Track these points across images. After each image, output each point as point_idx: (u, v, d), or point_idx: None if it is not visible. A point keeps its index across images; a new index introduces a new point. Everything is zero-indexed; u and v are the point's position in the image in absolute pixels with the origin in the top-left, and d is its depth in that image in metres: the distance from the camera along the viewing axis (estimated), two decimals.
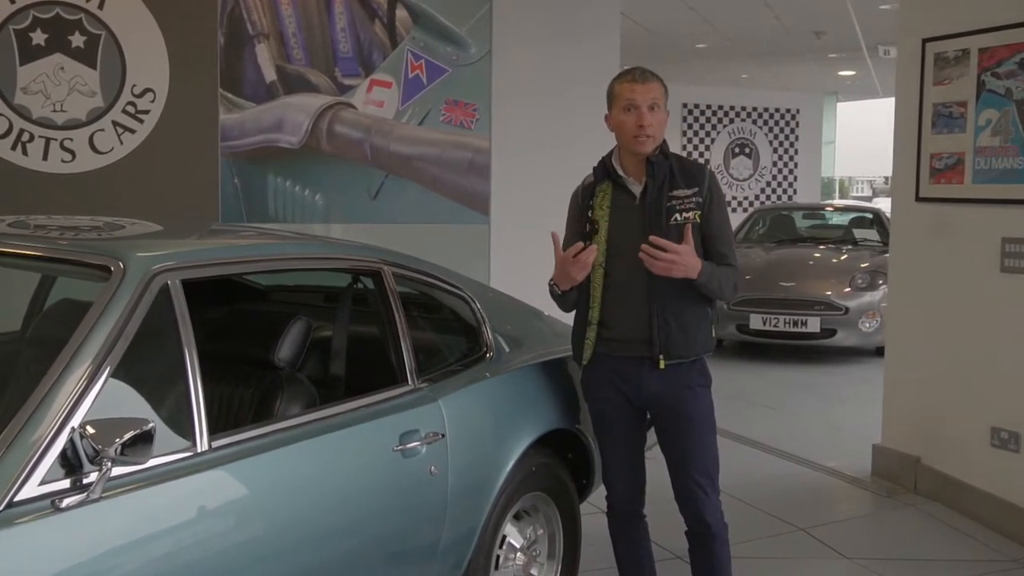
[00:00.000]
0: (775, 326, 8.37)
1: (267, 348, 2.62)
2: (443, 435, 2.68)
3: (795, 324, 8.33)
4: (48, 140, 5.53)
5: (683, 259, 2.85)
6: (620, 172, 3.02)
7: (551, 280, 3.06)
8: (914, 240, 4.93)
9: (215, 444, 2.13)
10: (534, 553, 3.21)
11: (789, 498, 4.85)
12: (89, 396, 1.92)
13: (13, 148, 5.49)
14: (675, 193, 2.97)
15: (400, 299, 2.79)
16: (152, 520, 1.97)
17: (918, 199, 4.81)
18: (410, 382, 2.72)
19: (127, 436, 1.82)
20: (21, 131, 5.47)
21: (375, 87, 6.25)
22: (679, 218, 2.95)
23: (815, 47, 11.08)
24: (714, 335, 3.11)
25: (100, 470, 1.83)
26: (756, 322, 8.40)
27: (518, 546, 3.12)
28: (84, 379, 1.92)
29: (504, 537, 3.06)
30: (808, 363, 8.49)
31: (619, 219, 2.99)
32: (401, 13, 6.26)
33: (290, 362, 2.64)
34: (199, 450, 2.09)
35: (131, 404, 2.01)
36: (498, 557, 3.03)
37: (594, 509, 3.91)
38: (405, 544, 2.62)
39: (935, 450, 4.80)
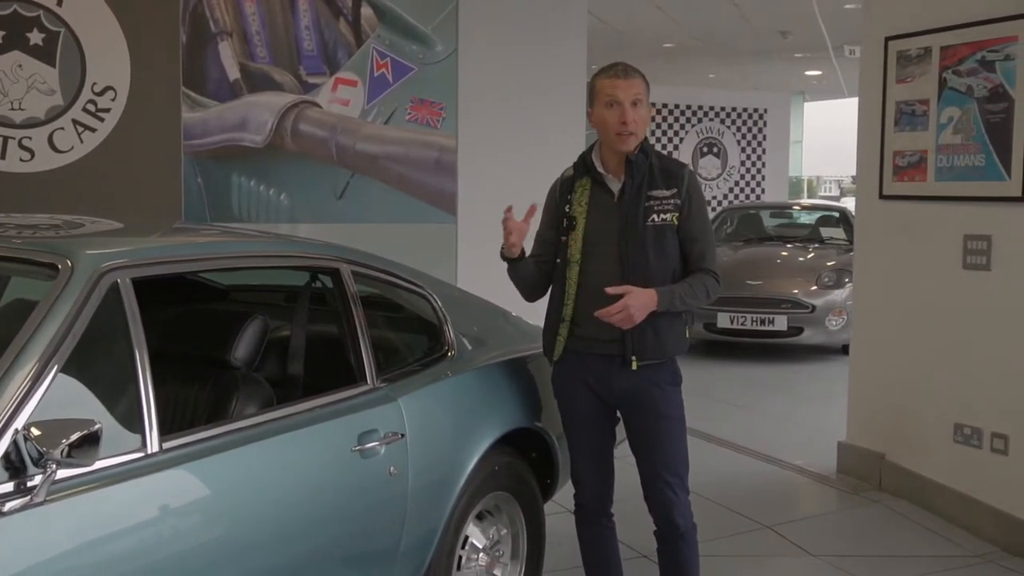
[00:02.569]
0: (742, 324, 8.40)
1: (223, 348, 2.57)
2: (403, 435, 2.65)
3: (762, 322, 8.36)
4: (6, 139, 5.45)
5: (632, 304, 2.82)
6: (600, 169, 3.00)
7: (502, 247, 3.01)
8: (878, 238, 4.95)
9: (166, 445, 2.08)
10: (497, 553, 3.17)
11: (754, 496, 4.86)
12: (34, 397, 1.87)
13: None
14: (653, 193, 2.95)
15: (359, 297, 2.75)
16: (99, 524, 1.91)
17: (882, 197, 4.83)
18: (369, 381, 2.68)
19: (72, 438, 1.77)
20: None
21: (340, 85, 6.20)
22: (656, 219, 2.94)
23: (781, 47, 11.13)
24: (688, 336, 3.09)
25: (44, 473, 1.78)
26: (724, 320, 8.42)
27: (481, 546, 3.09)
28: (28, 380, 1.87)
29: (466, 537, 3.03)
30: (775, 361, 8.53)
31: (596, 216, 2.98)
32: (366, 11, 6.22)
33: (246, 362, 2.59)
34: (149, 451, 2.04)
35: (78, 405, 1.96)
36: (460, 557, 3.00)
37: (560, 509, 3.90)
38: (365, 545, 2.58)
39: (899, 447, 4.82)
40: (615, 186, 2.99)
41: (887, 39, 4.75)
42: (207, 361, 2.59)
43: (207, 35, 5.88)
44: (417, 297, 3.08)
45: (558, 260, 3.01)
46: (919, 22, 4.58)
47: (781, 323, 8.34)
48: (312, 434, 2.42)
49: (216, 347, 2.59)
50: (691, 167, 3.12)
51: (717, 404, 7.01)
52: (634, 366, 2.94)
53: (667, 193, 2.96)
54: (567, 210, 3.01)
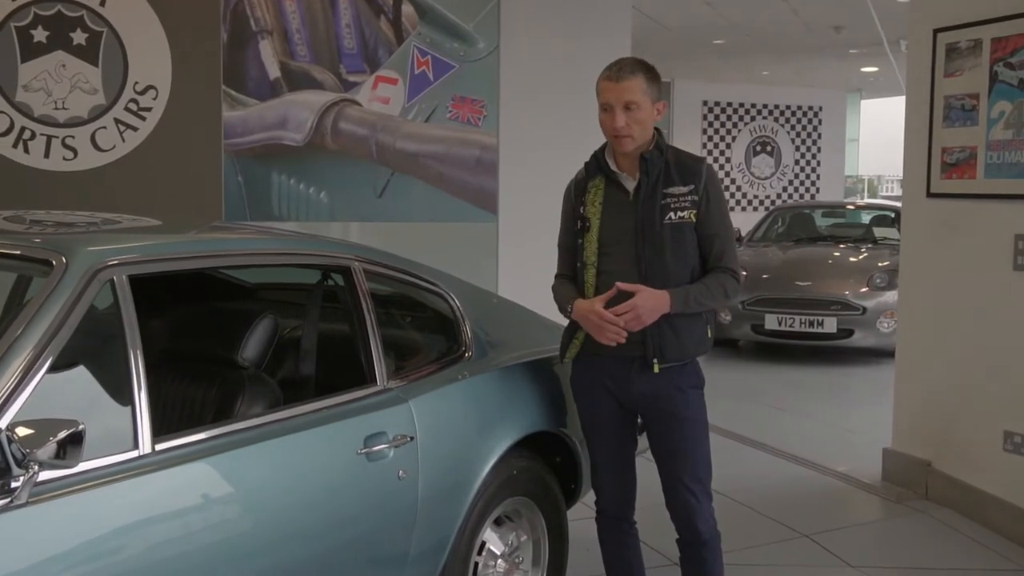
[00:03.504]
0: (791, 326, 8.21)
1: (232, 347, 2.53)
2: (412, 437, 2.58)
3: (811, 324, 8.16)
4: (50, 138, 5.50)
5: (642, 305, 2.73)
6: (613, 167, 2.91)
7: (568, 306, 2.92)
8: (925, 238, 4.78)
9: (159, 447, 2.03)
10: (517, 560, 3.09)
11: (795, 503, 4.71)
12: (21, 396, 1.83)
13: (15, 146, 5.46)
14: (670, 190, 2.85)
15: (370, 296, 2.69)
16: (84, 527, 1.87)
17: (929, 195, 4.66)
18: (379, 382, 2.61)
19: (55, 438, 1.73)
20: (23, 129, 5.45)
21: (380, 84, 6.18)
22: (673, 217, 2.84)
23: (835, 42, 10.87)
24: (710, 335, 2.98)
25: (27, 474, 1.75)
26: (771, 322, 8.24)
27: (499, 553, 3.01)
28: (15, 378, 1.84)
29: (483, 543, 2.95)
30: (825, 364, 8.32)
31: (611, 216, 2.89)
32: (407, 8, 6.18)
33: (255, 362, 2.55)
34: (142, 452, 2.00)
35: (67, 404, 1.92)
36: (476, 564, 2.93)
37: (589, 513, 3.80)
38: (372, 550, 2.51)
39: (946, 454, 4.64)
40: (630, 184, 2.89)
41: (935, 31, 4.58)
42: (215, 360, 2.55)
43: (248, 34, 5.88)
44: (434, 296, 3.01)
45: (577, 264, 2.93)
46: (969, 13, 4.40)
47: (831, 325, 8.13)
48: (315, 436, 2.36)
49: (225, 346, 2.55)
50: (709, 161, 3.00)
51: (762, 408, 6.86)
52: (656, 368, 2.84)
53: (684, 190, 2.86)
54: (581, 211, 2.93)
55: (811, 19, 9.49)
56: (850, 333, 8.14)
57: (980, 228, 4.41)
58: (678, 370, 2.88)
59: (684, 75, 14.31)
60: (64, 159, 5.56)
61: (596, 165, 2.94)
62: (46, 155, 5.52)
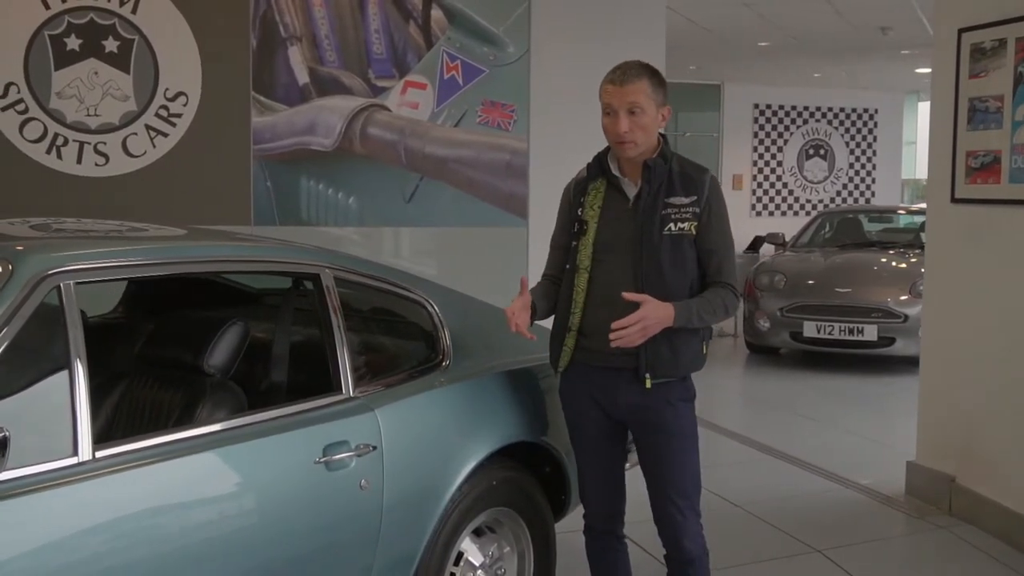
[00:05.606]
0: (830, 334, 8.02)
1: (200, 353, 2.53)
2: (375, 447, 2.54)
3: (851, 332, 7.96)
4: (82, 144, 5.59)
5: (650, 316, 2.65)
6: (615, 172, 2.84)
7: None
8: (950, 245, 4.62)
9: (100, 454, 2.03)
10: (499, 571, 3.04)
11: (811, 517, 4.58)
12: None
13: (48, 152, 5.57)
14: (672, 200, 2.78)
15: (340, 303, 2.66)
16: (12, 537, 1.85)
17: (954, 200, 4.50)
18: (344, 391, 2.59)
19: None
20: (56, 135, 5.55)
21: (410, 88, 6.17)
22: (673, 229, 2.76)
23: (884, 43, 10.58)
24: (705, 352, 2.90)
25: None
26: (810, 330, 8.06)
27: (477, 564, 2.96)
28: None
29: (462, 554, 2.91)
30: (865, 373, 8.12)
31: (609, 221, 2.82)
32: (436, 13, 6.17)
33: (221, 369, 2.54)
34: (80, 459, 2.00)
35: (2, 411, 1.92)
36: (454, 575, 2.89)
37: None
38: (331, 561, 2.47)
39: (971, 469, 4.47)
40: (631, 191, 2.82)
41: (960, 31, 4.42)
42: (182, 366, 2.55)
43: (277, 40, 5.92)
44: (412, 304, 2.97)
45: (567, 266, 2.88)
46: (994, 12, 4.25)
47: (871, 333, 7.93)
48: (269, 444, 2.34)
49: (194, 352, 2.54)
50: (713, 173, 2.91)
51: (795, 417, 6.71)
52: (647, 384, 2.76)
53: (686, 200, 2.78)
54: (579, 213, 2.86)
55: (856, 20, 9.26)
56: (891, 341, 7.92)
57: (1005, 235, 4.25)
58: (669, 384, 2.81)
59: (734, 78, 14.10)
60: (96, 165, 5.65)
61: (599, 167, 2.88)
62: (78, 161, 5.62)
